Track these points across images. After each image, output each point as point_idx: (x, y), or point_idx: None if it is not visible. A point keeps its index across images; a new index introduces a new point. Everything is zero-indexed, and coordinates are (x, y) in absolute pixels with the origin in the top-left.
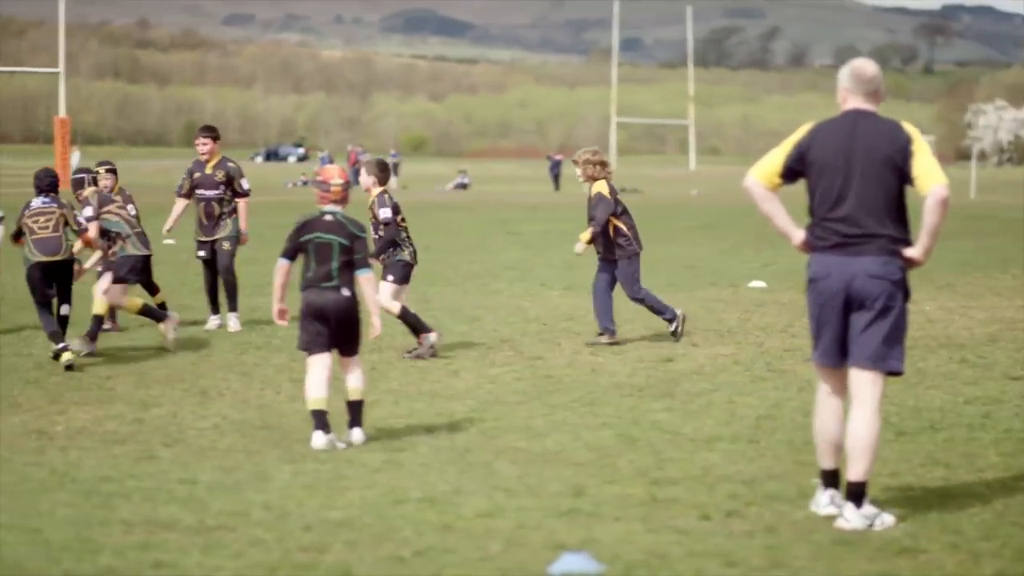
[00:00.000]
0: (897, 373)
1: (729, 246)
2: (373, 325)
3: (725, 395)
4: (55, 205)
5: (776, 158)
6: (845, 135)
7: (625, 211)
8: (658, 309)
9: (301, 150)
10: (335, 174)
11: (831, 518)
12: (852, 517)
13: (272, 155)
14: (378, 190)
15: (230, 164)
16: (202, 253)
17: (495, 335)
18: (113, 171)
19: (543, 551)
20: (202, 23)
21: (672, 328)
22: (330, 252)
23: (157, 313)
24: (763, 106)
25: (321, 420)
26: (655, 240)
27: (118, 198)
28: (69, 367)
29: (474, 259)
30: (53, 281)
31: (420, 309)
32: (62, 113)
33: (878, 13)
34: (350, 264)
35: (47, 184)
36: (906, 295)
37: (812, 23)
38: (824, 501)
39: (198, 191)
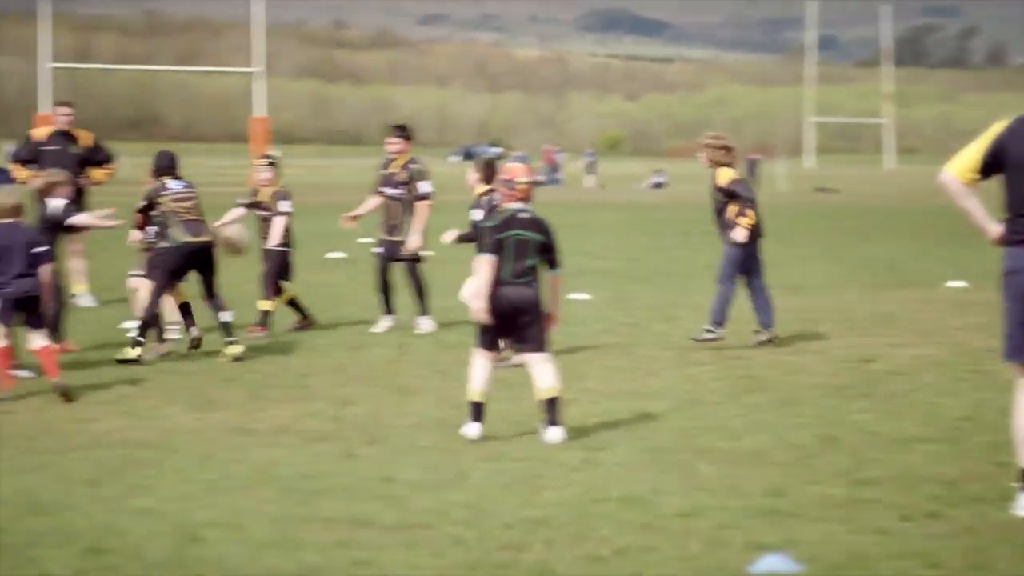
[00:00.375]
0: None
1: (927, 245)
2: (553, 322)
3: (926, 395)
4: (193, 189)
5: (973, 153)
6: None
7: (753, 196)
8: (715, 310)
9: (497, 149)
10: (521, 172)
11: None
12: None
13: (468, 155)
14: (481, 189)
15: (414, 166)
16: (379, 250)
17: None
18: (273, 164)
19: (743, 551)
20: (398, 23)
21: (700, 336)
22: (527, 249)
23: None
24: (961, 105)
25: (479, 412)
26: (854, 240)
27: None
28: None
29: (672, 258)
30: (194, 267)
31: (619, 308)
32: (260, 113)
33: None
34: (542, 262)
35: (174, 166)
36: None
37: (1010, 21)
38: None
39: (381, 189)
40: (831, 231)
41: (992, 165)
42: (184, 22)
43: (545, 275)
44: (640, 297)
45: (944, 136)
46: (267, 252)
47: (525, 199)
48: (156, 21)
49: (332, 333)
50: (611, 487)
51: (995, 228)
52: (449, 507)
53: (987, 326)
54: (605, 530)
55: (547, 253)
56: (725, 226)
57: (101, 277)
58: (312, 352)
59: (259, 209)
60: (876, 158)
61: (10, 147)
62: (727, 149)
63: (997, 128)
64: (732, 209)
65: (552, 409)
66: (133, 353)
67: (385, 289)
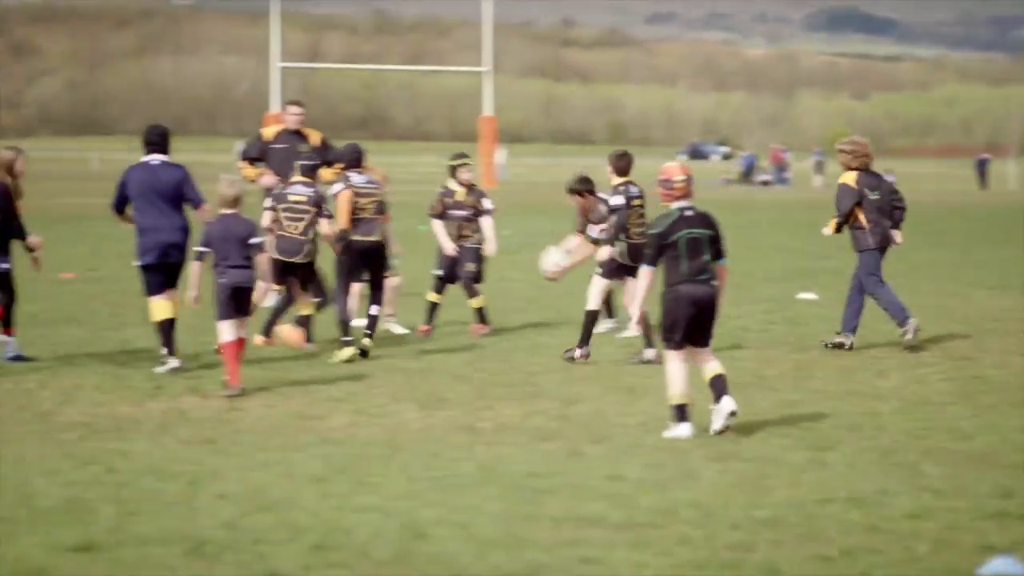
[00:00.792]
0: None
1: None
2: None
3: None
4: (376, 185)
5: None
6: None
7: (871, 203)
8: (892, 312)
9: (724, 148)
10: (677, 171)
11: None
12: None
13: (695, 153)
14: (617, 180)
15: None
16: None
17: (921, 335)
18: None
19: (972, 553)
20: (626, 22)
21: (902, 332)
22: (701, 246)
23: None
24: None
25: (684, 413)
26: None
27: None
28: (363, 353)
29: (901, 257)
30: (367, 267)
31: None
32: (488, 112)
33: None
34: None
35: (359, 159)
36: None
37: None
38: None
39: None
40: None
41: None
42: (413, 21)
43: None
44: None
45: None
46: (475, 251)
47: (685, 196)
48: (385, 20)
49: (560, 332)
50: (838, 488)
51: None
52: (676, 506)
53: None
54: (832, 531)
55: (715, 245)
56: (854, 230)
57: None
58: (540, 351)
59: (460, 209)
60: None
61: (240, 145)
62: (853, 154)
63: None
64: (857, 213)
65: (721, 383)
66: (346, 354)
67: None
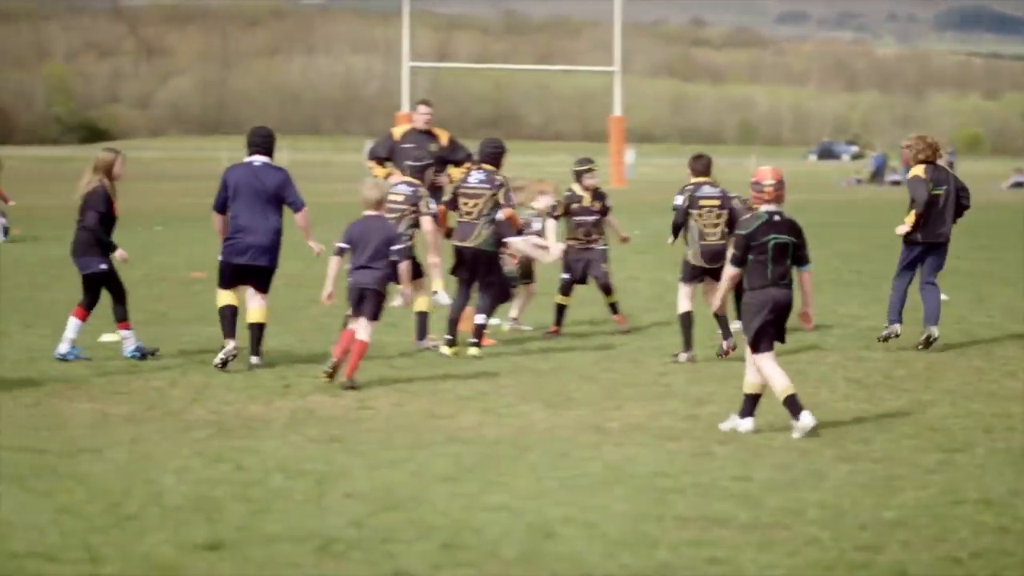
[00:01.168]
0: None
1: None
2: (808, 321)
3: None
4: (488, 186)
5: None
6: None
7: (932, 199)
8: (889, 309)
9: (854, 148)
10: (768, 175)
11: None
12: None
13: (826, 153)
14: (693, 180)
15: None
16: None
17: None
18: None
19: None
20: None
21: (882, 335)
22: (786, 252)
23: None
24: None
25: (797, 404)
26: None
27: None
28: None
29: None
30: (467, 272)
31: (978, 308)
32: (617, 112)
33: None
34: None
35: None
36: None
37: None
38: None
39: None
40: None
41: None
42: (542, 21)
43: (795, 273)
44: (998, 297)
45: None
46: (604, 252)
47: (774, 200)
48: (515, 20)
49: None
50: (969, 489)
51: None
52: (804, 507)
53: None
54: (962, 532)
55: (799, 251)
56: None
57: None
58: (668, 351)
59: (587, 214)
60: None
61: (369, 144)
62: (911, 148)
63: None
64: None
65: (796, 402)
66: (447, 351)
67: None
